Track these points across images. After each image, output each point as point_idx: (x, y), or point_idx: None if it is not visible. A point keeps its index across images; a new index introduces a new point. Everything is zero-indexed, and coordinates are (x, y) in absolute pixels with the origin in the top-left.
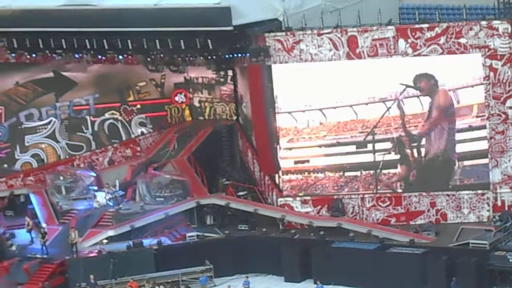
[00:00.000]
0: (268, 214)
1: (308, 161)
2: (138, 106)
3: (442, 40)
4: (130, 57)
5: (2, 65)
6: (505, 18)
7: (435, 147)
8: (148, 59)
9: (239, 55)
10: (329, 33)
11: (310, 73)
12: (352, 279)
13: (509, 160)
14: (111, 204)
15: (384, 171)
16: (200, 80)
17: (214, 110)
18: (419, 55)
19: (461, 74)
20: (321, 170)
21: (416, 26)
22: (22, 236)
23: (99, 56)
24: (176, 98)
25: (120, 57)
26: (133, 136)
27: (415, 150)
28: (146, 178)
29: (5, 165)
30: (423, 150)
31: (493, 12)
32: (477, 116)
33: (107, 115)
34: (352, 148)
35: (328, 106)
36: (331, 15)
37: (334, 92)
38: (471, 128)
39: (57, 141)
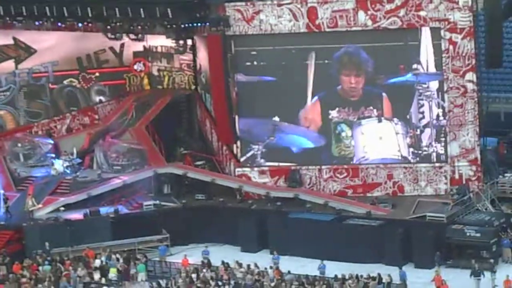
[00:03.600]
0: (225, 184)
1: None
2: (97, 74)
3: (402, 12)
4: (89, 24)
5: None
6: None
7: None
8: (108, 27)
9: (199, 24)
10: (289, 3)
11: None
12: (308, 250)
13: (467, 134)
14: (68, 171)
15: None
16: (159, 49)
17: (173, 80)
18: (378, 27)
19: None
20: None
21: None
22: None
23: (59, 24)
24: (135, 67)
25: (80, 24)
26: (91, 104)
27: None
28: (104, 146)
29: None
30: None
31: None
32: None
33: (65, 83)
34: None
35: None
36: None
37: None
38: None
39: (16, 108)
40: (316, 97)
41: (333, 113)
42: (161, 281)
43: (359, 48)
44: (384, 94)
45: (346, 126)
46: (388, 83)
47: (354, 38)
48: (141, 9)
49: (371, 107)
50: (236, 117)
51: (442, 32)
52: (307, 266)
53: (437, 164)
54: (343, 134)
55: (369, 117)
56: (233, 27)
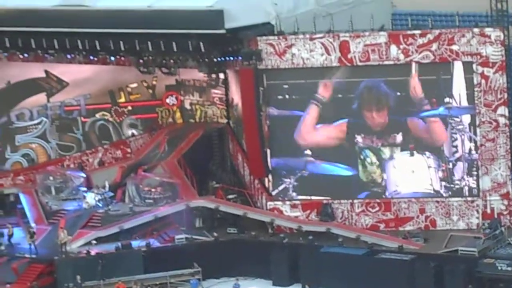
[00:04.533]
0: (257, 218)
1: None
2: (129, 108)
3: (434, 46)
4: (122, 58)
5: None
6: (498, 26)
7: None
8: (140, 60)
9: (231, 58)
10: (321, 37)
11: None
12: (340, 285)
13: (499, 168)
14: (100, 205)
15: None
16: (191, 83)
17: (205, 113)
18: (410, 61)
19: None
20: None
21: (409, 32)
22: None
23: (91, 57)
24: (167, 100)
25: (112, 58)
26: (123, 137)
27: None
28: (136, 180)
29: None
30: None
31: (485, 20)
32: None
33: (98, 116)
34: None
35: None
36: (323, 19)
37: None
38: None
39: (48, 141)
40: (343, 120)
41: (359, 138)
42: None
43: (381, 82)
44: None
45: (371, 152)
46: (420, 116)
47: (385, 72)
48: (174, 43)
49: (395, 134)
50: (268, 150)
51: (474, 66)
52: None
53: (469, 198)
54: (368, 160)
55: (394, 144)
56: (265, 60)
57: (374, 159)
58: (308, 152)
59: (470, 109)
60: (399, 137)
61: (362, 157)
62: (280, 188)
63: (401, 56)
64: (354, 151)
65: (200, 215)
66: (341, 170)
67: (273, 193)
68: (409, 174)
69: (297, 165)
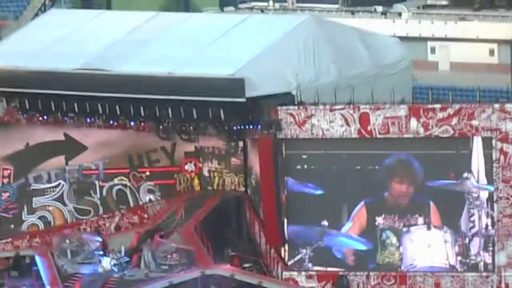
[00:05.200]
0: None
1: None
2: (147, 173)
3: (454, 121)
4: (141, 123)
5: (12, 126)
6: None
7: None
8: (160, 126)
9: (251, 126)
10: (341, 109)
11: None
12: None
13: None
14: (115, 269)
15: None
16: (210, 150)
17: (223, 181)
18: (430, 135)
19: None
20: None
21: (429, 106)
22: None
23: (111, 121)
24: (186, 167)
25: (132, 123)
26: (141, 202)
27: None
28: (152, 246)
29: (12, 226)
30: None
31: (506, 95)
32: None
33: (116, 181)
34: None
35: None
36: (344, 91)
37: None
38: None
39: (65, 205)
40: (362, 203)
41: (379, 220)
42: None
43: (411, 155)
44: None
45: (391, 233)
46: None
47: (405, 145)
48: (194, 110)
49: (417, 215)
50: (285, 220)
51: (493, 141)
52: None
53: (484, 274)
54: (388, 241)
55: (416, 224)
56: (285, 130)
57: (394, 240)
58: (325, 222)
59: (488, 184)
60: (420, 220)
61: (382, 238)
62: (296, 258)
63: (421, 130)
64: (374, 230)
65: (215, 283)
66: (358, 245)
67: (289, 263)
68: (425, 248)
69: (314, 236)
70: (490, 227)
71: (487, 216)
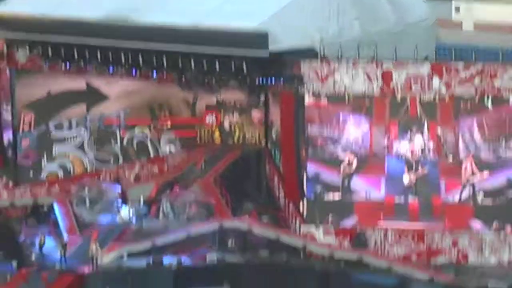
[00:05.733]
0: (290, 242)
1: None
2: (168, 124)
3: (477, 81)
4: (164, 74)
5: (35, 74)
6: None
7: None
8: (182, 78)
9: (273, 80)
10: (364, 65)
11: None
12: None
13: None
14: (134, 220)
15: None
16: (232, 103)
17: (243, 134)
18: (452, 94)
19: None
20: None
21: (452, 65)
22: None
23: (133, 72)
24: (207, 119)
25: (154, 74)
26: (161, 153)
27: None
28: (171, 197)
29: (31, 174)
30: None
31: None
32: None
33: (136, 131)
34: None
35: None
36: (367, 47)
37: None
38: None
39: (85, 153)
40: None
41: None
42: None
43: None
44: None
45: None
46: None
47: None
48: (216, 62)
49: None
50: (305, 175)
51: None
52: None
53: (502, 234)
54: None
55: None
56: (307, 85)
57: None
58: None
59: None
60: None
61: None
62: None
63: (443, 88)
64: None
65: (233, 236)
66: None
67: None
68: None
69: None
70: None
71: None
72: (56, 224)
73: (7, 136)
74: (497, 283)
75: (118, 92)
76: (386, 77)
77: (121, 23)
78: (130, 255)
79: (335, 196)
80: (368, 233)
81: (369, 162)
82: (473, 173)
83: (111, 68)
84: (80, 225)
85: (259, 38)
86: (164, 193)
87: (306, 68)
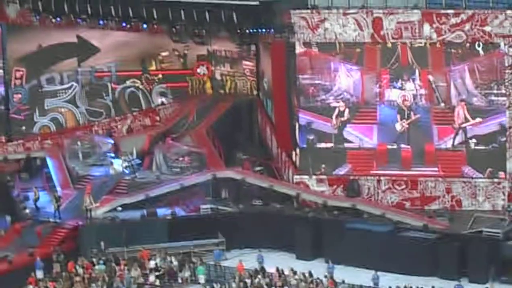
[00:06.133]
0: (283, 191)
1: None
2: (160, 76)
3: (467, 27)
4: (154, 26)
5: (26, 28)
6: None
7: None
8: (173, 29)
9: (263, 30)
10: (354, 13)
11: None
12: (363, 261)
13: None
14: (127, 172)
15: None
16: (223, 54)
17: (235, 84)
18: (443, 40)
19: None
20: None
21: (442, 11)
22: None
23: (124, 24)
24: (198, 70)
25: (145, 26)
26: (153, 105)
27: None
28: (164, 148)
29: (23, 127)
30: None
31: None
32: None
33: (128, 83)
34: None
35: None
36: None
37: None
38: None
39: (77, 106)
40: None
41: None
42: (215, 285)
43: None
44: None
45: None
46: None
47: None
48: (207, 13)
49: None
50: (297, 124)
51: (506, 48)
52: (361, 277)
53: (495, 180)
54: None
55: None
56: (298, 34)
57: None
58: None
59: None
60: None
61: None
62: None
63: (434, 35)
64: None
65: (226, 186)
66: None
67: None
68: None
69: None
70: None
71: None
72: (49, 178)
73: None
74: (491, 229)
75: (109, 44)
76: (377, 24)
77: None
78: (124, 207)
79: (328, 144)
80: (361, 181)
81: (361, 110)
82: (465, 119)
83: (101, 21)
84: (73, 179)
85: None
86: (156, 145)
87: (297, 17)
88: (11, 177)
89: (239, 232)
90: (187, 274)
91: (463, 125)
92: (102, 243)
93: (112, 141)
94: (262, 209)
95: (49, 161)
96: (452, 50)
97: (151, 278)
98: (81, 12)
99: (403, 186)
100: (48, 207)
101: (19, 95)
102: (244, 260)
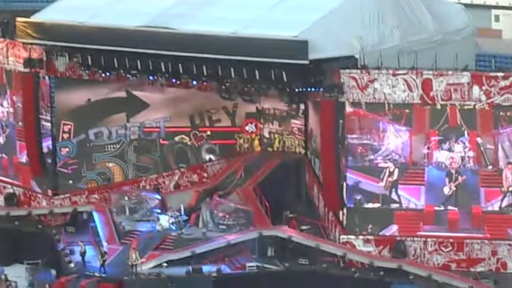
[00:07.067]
0: (329, 250)
1: None
2: (208, 133)
3: None
4: (204, 83)
5: (75, 81)
6: None
7: None
8: (222, 86)
9: (313, 89)
10: (404, 74)
11: None
12: None
13: None
14: (173, 228)
15: None
16: (271, 112)
17: (283, 142)
18: (492, 103)
19: None
20: None
21: (492, 74)
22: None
23: (174, 80)
24: (247, 128)
25: (194, 82)
26: (201, 162)
27: None
28: (211, 205)
29: (70, 181)
30: None
31: None
32: None
33: (176, 139)
34: None
35: None
36: (407, 56)
37: None
38: None
39: (125, 161)
40: None
41: None
42: None
43: None
44: None
45: None
46: None
47: None
48: (256, 71)
49: None
50: (344, 183)
51: None
52: None
53: None
54: None
55: None
56: (347, 94)
57: None
58: None
59: None
60: None
61: None
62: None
63: (483, 97)
64: None
65: (272, 244)
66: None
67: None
68: None
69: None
70: None
71: None
72: (95, 232)
73: (47, 144)
74: None
75: (158, 100)
76: (426, 86)
77: (161, 31)
78: (170, 263)
79: (375, 204)
80: (408, 242)
81: (409, 171)
82: None
83: (151, 76)
84: (119, 234)
85: (299, 47)
86: (203, 201)
87: (346, 77)
88: (57, 231)
89: None
90: None
91: (511, 188)
92: None
93: (159, 197)
94: (308, 268)
95: (95, 216)
96: (501, 113)
97: None
98: (130, 67)
99: (449, 248)
100: (93, 261)
101: (67, 149)
102: None
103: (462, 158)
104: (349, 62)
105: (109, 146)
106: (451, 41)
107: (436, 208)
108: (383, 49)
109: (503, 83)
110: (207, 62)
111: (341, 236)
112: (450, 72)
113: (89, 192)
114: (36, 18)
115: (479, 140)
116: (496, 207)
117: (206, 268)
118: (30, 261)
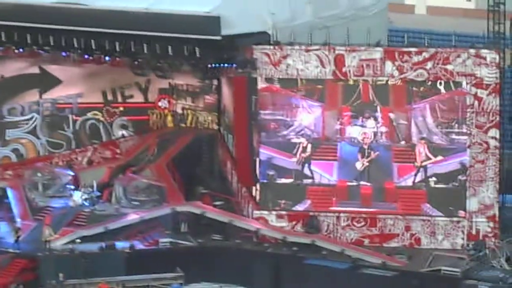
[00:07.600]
0: (242, 226)
1: None
2: (121, 109)
3: (429, 65)
4: (116, 59)
5: None
6: (494, 48)
7: None
8: (135, 62)
9: (226, 65)
10: (317, 50)
11: None
12: None
13: (487, 190)
14: (86, 204)
15: None
16: (184, 87)
17: (196, 118)
18: (405, 78)
19: None
20: None
21: (404, 49)
22: None
23: (86, 56)
24: (160, 103)
25: (107, 58)
26: (113, 138)
27: None
28: (124, 181)
29: None
30: None
31: (482, 41)
32: None
33: (89, 115)
34: None
35: None
36: (320, 32)
37: None
38: None
39: (38, 138)
40: None
41: None
42: None
43: None
44: None
45: None
46: None
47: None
48: (169, 47)
49: None
50: (257, 159)
51: (468, 86)
52: None
53: (455, 219)
54: None
55: None
56: (260, 69)
57: None
58: None
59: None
60: None
61: None
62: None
63: (396, 73)
64: None
65: (185, 220)
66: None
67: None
68: None
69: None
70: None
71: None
72: (9, 208)
73: None
74: (450, 268)
75: (71, 76)
76: (339, 61)
77: (74, 7)
78: (83, 239)
79: (288, 180)
80: (321, 217)
81: (321, 146)
82: (426, 158)
83: (64, 52)
84: (33, 210)
85: (212, 23)
86: (116, 178)
87: (259, 53)
88: None
89: (198, 267)
90: None
91: (424, 163)
92: (60, 275)
93: (72, 173)
94: (221, 243)
95: (9, 192)
96: (414, 88)
97: None
98: (43, 43)
99: (362, 223)
100: (7, 237)
101: None
102: None
103: (375, 134)
104: (262, 38)
105: (22, 122)
106: (363, 17)
107: (349, 184)
108: (296, 24)
109: (416, 59)
110: (119, 37)
111: (254, 212)
112: (362, 48)
113: (2, 169)
114: None
115: (391, 115)
116: (409, 183)
117: (119, 244)
118: None
